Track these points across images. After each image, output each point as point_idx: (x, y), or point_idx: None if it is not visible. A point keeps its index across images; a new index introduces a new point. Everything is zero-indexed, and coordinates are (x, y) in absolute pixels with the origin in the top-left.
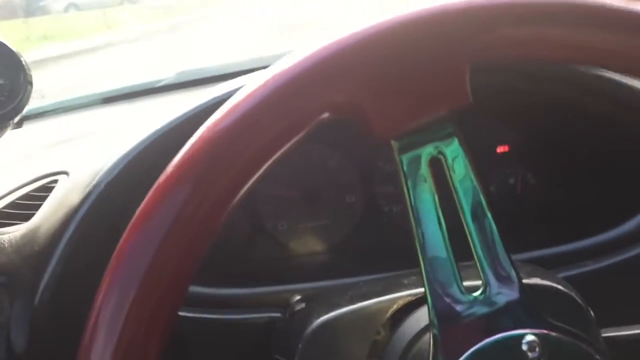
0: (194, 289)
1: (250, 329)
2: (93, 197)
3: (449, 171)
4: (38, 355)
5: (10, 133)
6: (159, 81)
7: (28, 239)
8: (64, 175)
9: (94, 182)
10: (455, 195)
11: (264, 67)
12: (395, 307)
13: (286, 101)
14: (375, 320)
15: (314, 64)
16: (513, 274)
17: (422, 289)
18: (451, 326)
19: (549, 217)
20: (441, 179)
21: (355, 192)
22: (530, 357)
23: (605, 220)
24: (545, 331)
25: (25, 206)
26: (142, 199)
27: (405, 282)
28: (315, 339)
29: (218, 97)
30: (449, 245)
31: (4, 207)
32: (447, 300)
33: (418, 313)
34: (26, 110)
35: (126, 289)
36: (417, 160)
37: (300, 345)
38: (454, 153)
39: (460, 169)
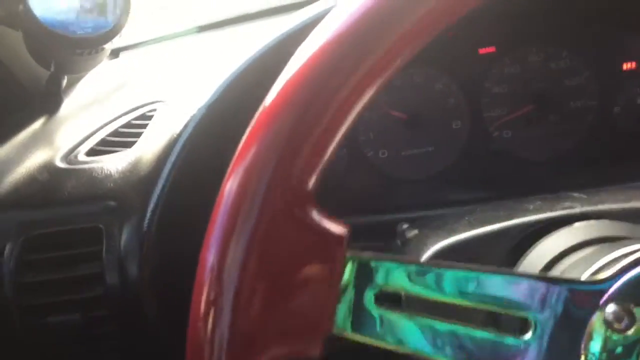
0: None
1: None
2: (194, 122)
3: None
4: (149, 278)
5: (108, 63)
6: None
7: (133, 164)
8: (162, 104)
9: (194, 108)
10: None
11: None
12: (523, 233)
13: None
14: (499, 248)
15: None
16: None
17: (550, 214)
18: None
19: None
20: None
21: (462, 117)
22: None
23: None
24: None
25: (127, 134)
26: (242, 123)
27: (531, 207)
28: None
29: (312, 16)
30: None
31: (108, 135)
32: None
33: (548, 240)
34: (123, 44)
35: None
36: None
37: None
38: None
39: None
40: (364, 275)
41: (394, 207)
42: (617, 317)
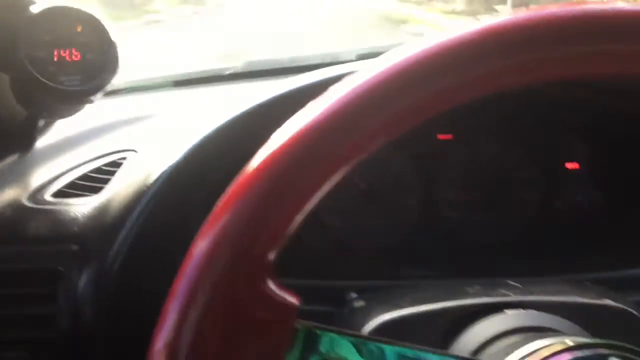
0: None
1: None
2: (164, 176)
3: None
4: (102, 323)
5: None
6: (228, 69)
7: (99, 210)
8: (133, 153)
9: (165, 163)
10: None
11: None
12: (460, 314)
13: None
14: (438, 326)
15: None
16: None
17: (486, 300)
18: None
19: (617, 239)
20: None
21: (415, 196)
22: None
23: None
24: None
25: (96, 179)
26: (211, 185)
27: (471, 290)
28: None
29: (286, 91)
30: None
31: (77, 179)
32: None
33: (481, 325)
34: None
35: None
36: None
37: None
38: None
39: None
40: (310, 344)
41: (342, 274)
42: None
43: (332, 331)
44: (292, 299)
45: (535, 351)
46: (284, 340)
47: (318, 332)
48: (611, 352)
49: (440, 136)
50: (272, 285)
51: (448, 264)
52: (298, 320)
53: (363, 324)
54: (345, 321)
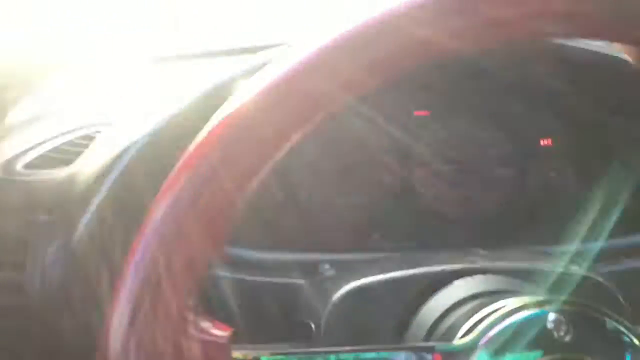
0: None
1: (271, 292)
2: (136, 148)
3: None
4: (70, 294)
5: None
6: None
7: (70, 181)
8: (108, 126)
9: (138, 133)
10: None
11: None
12: (427, 281)
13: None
14: (406, 292)
15: None
16: None
17: (454, 266)
18: None
19: (587, 212)
20: None
21: (392, 172)
22: (556, 336)
23: None
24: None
25: (68, 152)
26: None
27: (438, 259)
28: (344, 303)
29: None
30: None
31: (49, 151)
32: None
33: (449, 288)
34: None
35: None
36: None
37: (328, 308)
38: None
39: None
40: None
41: (320, 248)
42: None
43: (276, 354)
44: (222, 333)
45: (482, 319)
46: None
47: (261, 358)
48: (551, 307)
49: (417, 112)
50: (194, 327)
51: (424, 237)
52: (236, 351)
53: (332, 292)
54: (314, 289)
